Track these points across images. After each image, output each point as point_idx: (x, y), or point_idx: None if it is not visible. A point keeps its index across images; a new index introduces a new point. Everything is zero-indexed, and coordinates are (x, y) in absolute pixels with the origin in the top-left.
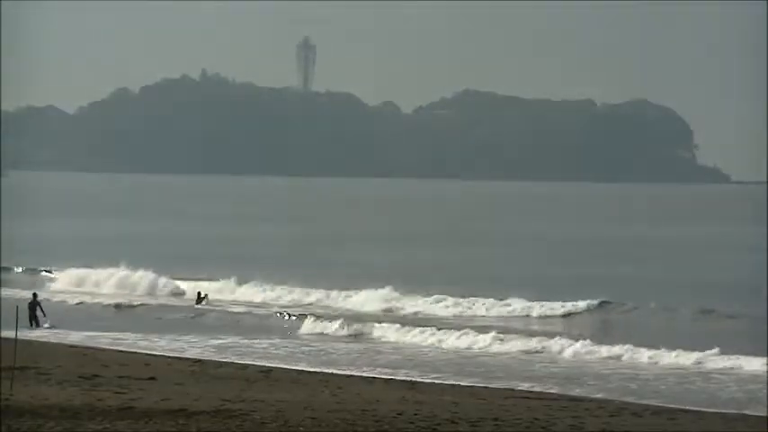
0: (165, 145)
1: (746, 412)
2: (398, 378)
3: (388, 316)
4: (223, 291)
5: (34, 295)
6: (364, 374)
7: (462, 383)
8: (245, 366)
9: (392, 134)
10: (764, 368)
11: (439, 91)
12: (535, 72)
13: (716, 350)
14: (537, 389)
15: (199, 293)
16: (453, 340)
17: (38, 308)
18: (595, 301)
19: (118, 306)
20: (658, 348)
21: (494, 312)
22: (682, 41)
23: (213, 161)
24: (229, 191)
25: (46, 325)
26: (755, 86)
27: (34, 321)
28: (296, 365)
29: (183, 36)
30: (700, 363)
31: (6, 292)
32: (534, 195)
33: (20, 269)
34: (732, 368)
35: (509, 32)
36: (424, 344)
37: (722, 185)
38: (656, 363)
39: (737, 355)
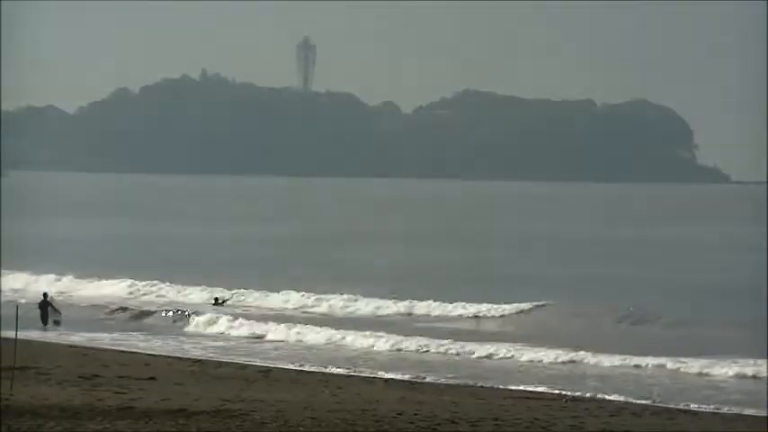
0: (164, 145)
1: (746, 412)
2: (398, 378)
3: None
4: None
5: (44, 295)
6: (364, 374)
7: (462, 383)
8: (245, 366)
9: (392, 134)
10: (762, 369)
11: (439, 91)
12: (535, 72)
13: (714, 351)
14: (539, 389)
15: (216, 298)
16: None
17: (49, 307)
18: (536, 303)
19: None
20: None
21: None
22: (682, 41)
23: (213, 161)
24: (229, 191)
25: (52, 322)
26: (755, 86)
27: (46, 321)
28: (296, 365)
29: (183, 36)
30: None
31: None
32: (534, 195)
33: None
34: (728, 370)
35: (509, 32)
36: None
37: (722, 185)
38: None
39: (733, 357)
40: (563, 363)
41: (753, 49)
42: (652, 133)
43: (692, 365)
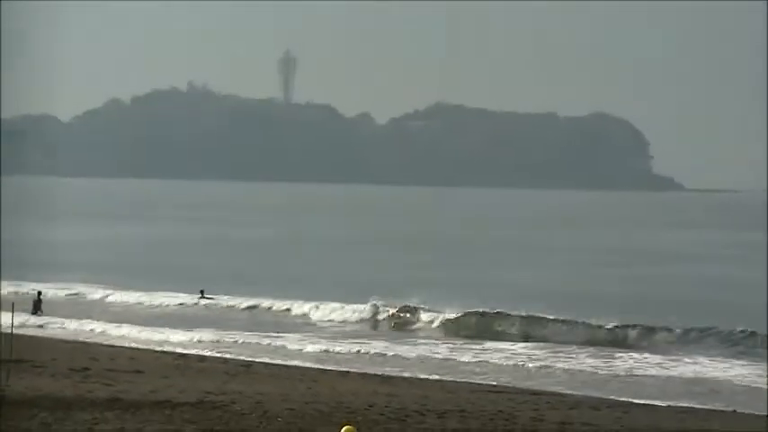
0: (153, 153)
1: (697, 406)
2: (371, 372)
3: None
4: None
5: (39, 293)
6: (340, 369)
7: (432, 377)
8: (227, 360)
9: (368, 143)
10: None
11: (412, 103)
12: (503, 86)
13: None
14: (503, 384)
15: (202, 291)
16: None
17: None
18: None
19: None
20: None
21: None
22: (640, 57)
23: (198, 168)
24: (209, 195)
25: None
26: (708, 100)
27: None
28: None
29: (172, 49)
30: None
31: None
32: (497, 202)
33: None
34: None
35: (479, 48)
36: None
37: (677, 193)
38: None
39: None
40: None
41: (704, 64)
42: (611, 144)
43: None
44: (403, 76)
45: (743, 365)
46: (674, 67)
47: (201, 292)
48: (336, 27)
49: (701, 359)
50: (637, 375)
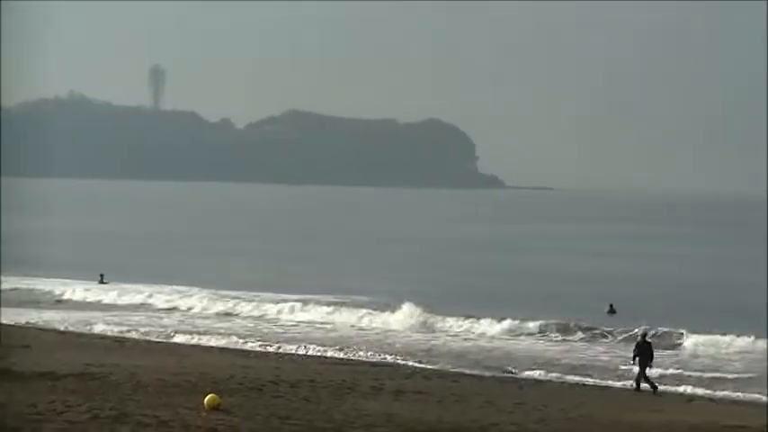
0: (41, 153)
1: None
2: (231, 347)
3: None
4: None
5: None
6: (203, 344)
7: (285, 352)
8: (104, 336)
9: (227, 146)
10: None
11: (268, 110)
12: (350, 95)
13: None
14: (346, 356)
15: (101, 275)
16: None
17: None
18: None
19: None
20: None
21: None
22: (466, 69)
23: (75, 167)
24: (84, 192)
25: None
26: (528, 105)
27: None
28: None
29: (53, 60)
30: None
31: None
32: (339, 199)
33: None
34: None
35: (329, 59)
36: None
37: (499, 190)
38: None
39: None
40: None
41: (523, 73)
42: (441, 146)
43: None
44: (261, 85)
45: (544, 344)
46: (498, 72)
47: (101, 276)
48: (200, 41)
49: (520, 339)
50: (463, 351)
